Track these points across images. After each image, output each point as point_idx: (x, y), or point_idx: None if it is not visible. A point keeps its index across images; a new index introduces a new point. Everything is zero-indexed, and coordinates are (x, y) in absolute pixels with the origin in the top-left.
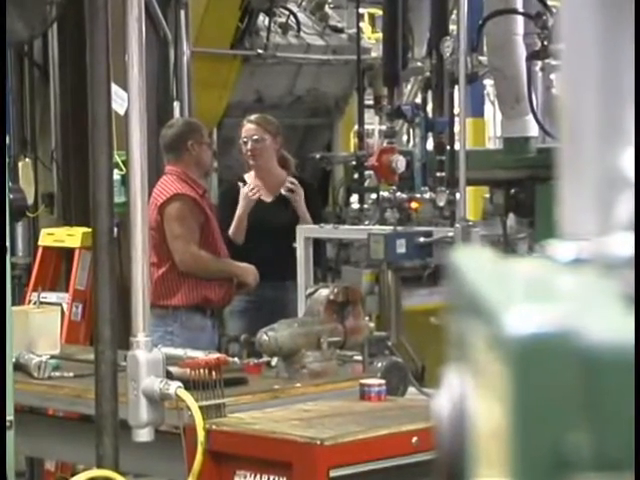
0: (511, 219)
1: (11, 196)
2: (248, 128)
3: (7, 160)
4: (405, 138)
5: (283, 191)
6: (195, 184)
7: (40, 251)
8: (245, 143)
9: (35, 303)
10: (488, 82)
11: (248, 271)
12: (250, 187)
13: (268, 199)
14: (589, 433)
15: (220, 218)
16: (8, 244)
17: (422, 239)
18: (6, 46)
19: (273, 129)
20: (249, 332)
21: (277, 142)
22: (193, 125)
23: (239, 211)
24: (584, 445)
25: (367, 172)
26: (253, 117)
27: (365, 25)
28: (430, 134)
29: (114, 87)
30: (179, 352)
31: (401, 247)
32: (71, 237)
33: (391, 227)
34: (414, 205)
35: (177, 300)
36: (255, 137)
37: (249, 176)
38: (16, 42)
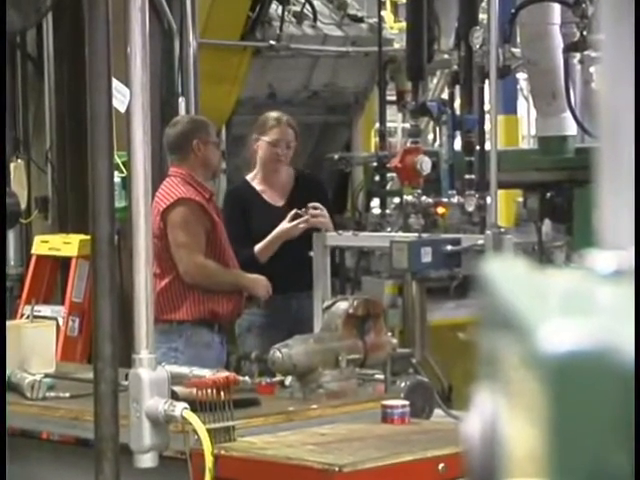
0: (547, 225)
1: None
2: (284, 131)
3: None
4: (431, 137)
5: (310, 222)
6: (201, 187)
7: (33, 260)
8: (276, 145)
9: (28, 317)
10: (522, 76)
11: (258, 283)
12: (312, 213)
13: (279, 203)
14: (629, 453)
15: (224, 224)
16: None
17: (449, 247)
18: (5, 44)
19: (297, 133)
20: (268, 349)
21: (297, 145)
22: (199, 123)
23: (278, 233)
24: (624, 465)
25: (389, 174)
26: (285, 118)
27: (387, 14)
28: (458, 133)
29: (115, 82)
30: (185, 370)
31: (426, 256)
32: (67, 245)
33: (415, 234)
34: (440, 210)
35: (182, 314)
36: (292, 142)
37: (253, 177)
38: (8, 33)
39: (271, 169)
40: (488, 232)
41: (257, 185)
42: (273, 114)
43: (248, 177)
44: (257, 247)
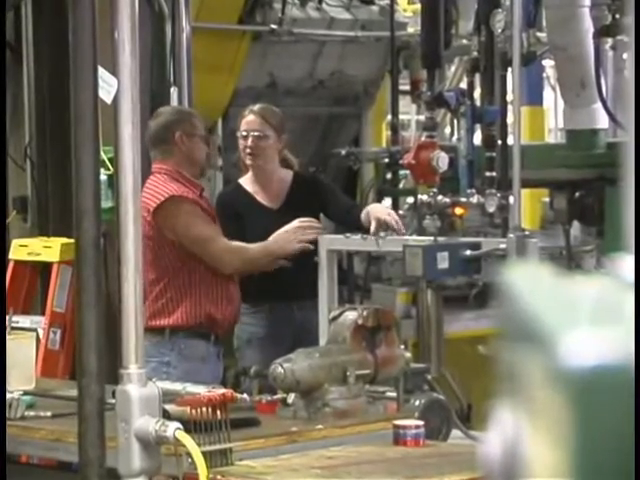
0: (575, 228)
1: None
2: (250, 120)
3: None
4: (448, 131)
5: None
6: (190, 183)
7: (11, 266)
8: (244, 138)
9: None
10: (548, 63)
11: (281, 238)
12: (306, 224)
13: (274, 206)
14: None
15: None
16: None
17: (468, 252)
18: (5, 44)
19: (278, 125)
20: (269, 363)
21: (281, 141)
22: (183, 114)
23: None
24: None
25: (402, 171)
26: (256, 107)
27: None
28: (478, 126)
29: (101, 71)
30: (177, 387)
31: (443, 262)
32: (48, 249)
33: (431, 237)
34: (458, 211)
35: (175, 319)
36: (257, 132)
37: (246, 180)
38: None
39: (250, 166)
40: (511, 235)
41: (249, 186)
42: (250, 106)
43: (241, 180)
44: None
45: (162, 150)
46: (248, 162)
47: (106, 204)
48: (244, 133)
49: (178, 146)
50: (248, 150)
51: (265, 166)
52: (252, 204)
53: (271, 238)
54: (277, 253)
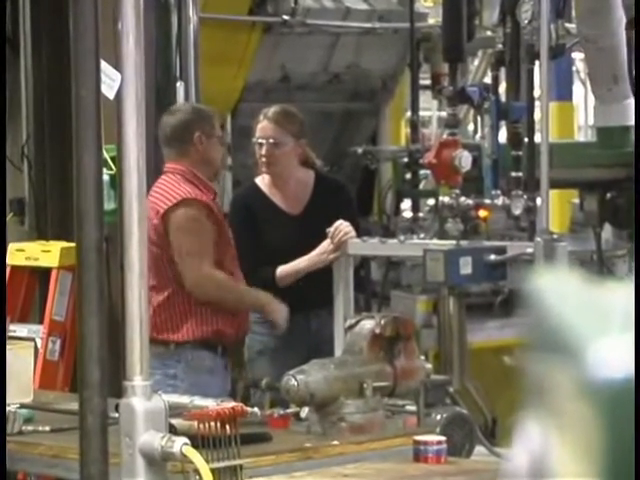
0: (607, 231)
1: None
2: (264, 127)
3: None
4: (471, 128)
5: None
6: (204, 186)
7: (8, 272)
8: (259, 145)
9: None
10: (577, 56)
11: (278, 308)
12: (342, 233)
13: (294, 212)
14: None
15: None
16: None
17: (493, 257)
18: (5, 44)
19: (296, 130)
20: (282, 375)
21: (300, 145)
22: (203, 113)
23: (310, 264)
24: None
25: (422, 171)
26: (271, 112)
27: None
28: (503, 123)
29: (103, 64)
30: (184, 400)
31: (466, 267)
32: (47, 254)
33: (453, 241)
34: (482, 213)
35: (182, 334)
36: (272, 140)
37: (262, 180)
38: None
39: (266, 172)
40: (538, 239)
41: (266, 188)
42: (264, 110)
43: (257, 179)
44: (280, 270)
45: (178, 150)
46: (264, 170)
47: (109, 206)
48: (258, 141)
49: (196, 147)
50: (263, 159)
51: (282, 173)
52: (270, 208)
53: (272, 303)
54: (265, 312)
